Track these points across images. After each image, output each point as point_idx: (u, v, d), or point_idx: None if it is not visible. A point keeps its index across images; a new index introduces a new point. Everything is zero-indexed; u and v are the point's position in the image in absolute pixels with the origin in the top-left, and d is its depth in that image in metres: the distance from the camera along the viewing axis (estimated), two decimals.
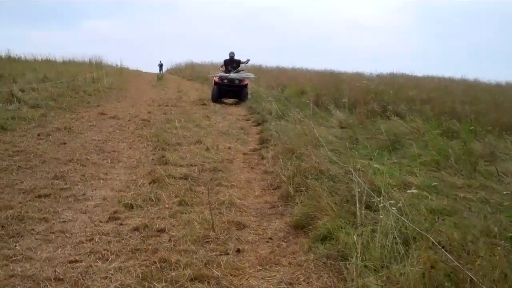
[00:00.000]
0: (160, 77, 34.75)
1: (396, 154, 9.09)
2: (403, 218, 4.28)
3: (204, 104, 17.68)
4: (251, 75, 20.64)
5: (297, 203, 5.78)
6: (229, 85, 19.07)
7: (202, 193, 6.50)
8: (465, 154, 8.24)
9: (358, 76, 24.68)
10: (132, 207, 5.80)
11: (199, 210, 5.69)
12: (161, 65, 51.76)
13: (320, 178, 6.30)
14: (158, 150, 9.06)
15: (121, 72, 35.79)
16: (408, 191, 5.14)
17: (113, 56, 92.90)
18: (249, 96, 19.06)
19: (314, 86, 19.08)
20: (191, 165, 8.08)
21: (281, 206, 6.11)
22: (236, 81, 19.12)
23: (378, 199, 4.96)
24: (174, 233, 4.97)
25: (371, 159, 8.52)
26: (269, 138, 10.47)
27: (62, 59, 34.13)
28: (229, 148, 9.91)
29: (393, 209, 4.29)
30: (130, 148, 9.40)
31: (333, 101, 15.19)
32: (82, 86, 20.38)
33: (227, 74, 19.19)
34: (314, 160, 6.91)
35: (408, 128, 10.97)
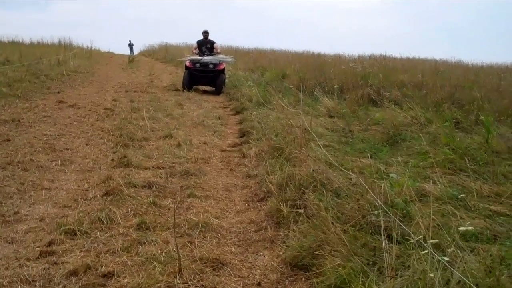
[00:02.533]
0: (131, 59, 32.90)
1: (398, 149, 7.85)
2: (454, 271, 2.95)
3: (177, 90, 16.09)
4: (229, 58, 17.96)
5: (293, 229, 4.39)
6: (202, 70, 16.07)
7: (169, 208, 5.15)
8: (487, 152, 6.93)
9: (339, 58, 23.43)
10: (75, 234, 4.38)
11: (162, 239, 4.30)
12: (131, 46, 49.44)
13: (320, 191, 4.93)
14: (120, 147, 7.64)
15: (91, 55, 33.88)
16: (462, 229, 3.72)
17: (84, 38, 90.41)
18: (226, 83, 16.64)
19: (296, 69, 17.72)
20: (158, 167, 6.69)
21: (270, 228, 4.73)
22: (211, 66, 16.05)
23: (405, 226, 3.65)
24: (125, 280, 3.57)
25: (371, 157, 7.25)
26: (251, 130, 9.17)
27: (29, 41, 32.54)
28: (205, 143, 8.52)
29: (443, 259, 2.95)
30: (86, 145, 7.95)
31: (319, 85, 13.83)
32: (44, 70, 18.64)
33: (200, 57, 16.24)
34: (312, 168, 5.51)
35: (407, 117, 9.66)
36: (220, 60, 16.39)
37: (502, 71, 19.19)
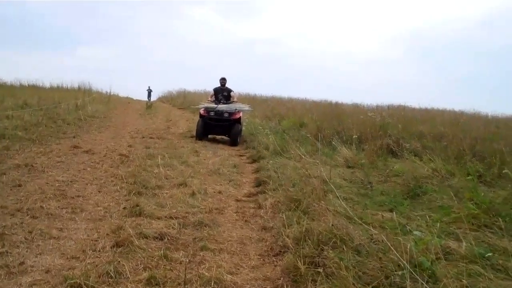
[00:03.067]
0: (149, 105, 33.04)
1: (419, 203, 7.59)
2: None
3: (194, 137, 15.94)
4: (246, 107, 17.32)
5: None
6: (217, 118, 15.35)
7: (181, 262, 4.90)
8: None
9: (357, 108, 23.32)
10: None
11: None
12: (149, 92, 49.41)
13: (340, 248, 4.68)
14: (133, 195, 7.45)
15: (109, 100, 34.10)
16: None
17: (104, 83, 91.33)
18: (242, 133, 15.94)
19: (314, 118, 17.59)
20: (171, 217, 6.47)
21: (287, 287, 4.45)
22: (226, 114, 15.32)
23: None
24: None
25: (391, 210, 7.02)
26: (267, 179, 8.96)
27: (49, 85, 32.85)
28: (220, 192, 8.31)
29: None
30: (99, 192, 7.77)
31: (337, 135, 13.65)
32: (62, 114, 18.68)
33: (215, 105, 15.64)
34: (331, 222, 5.26)
35: (428, 169, 9.41)
36: (236, 109, 15.65)
37: None
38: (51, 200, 7.04)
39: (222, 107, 15.51)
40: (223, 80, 16.50)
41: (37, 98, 21.65)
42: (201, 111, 15.79)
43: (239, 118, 15.63)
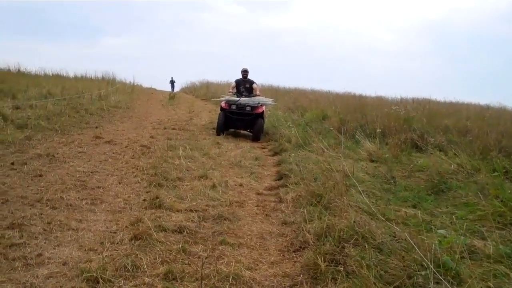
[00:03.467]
0: (172, 96, 33.02)
1: (443, 199, 7.41)
2: None
3: (215, 129, 15.77)
4: (270, 101, 16.22)
5: None
6: (238, 112, 14.44)
7: (199, 256, 4.84)
8: None
9: (381, 100, 22.93)
10: (97, 282, 4.10)
11: None
12: (172, 82, 49.29)
13: (362, 245, 4.56)
14: (153, 187, 7.41)
15: (132, 90, 34.16)
16: None
17: (128, 73, 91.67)
18: (264, 128, 15.11)
19: (337, 111, 17.39)
20: (191, 210, 6.41)
21: (306, 284, 4.35)
22: (248, 108, 14.40)
23: None
24: None
25: (414, 206, 6.87)
26: (289, 173, 8.85)
27: (73, 74, 32.94)
28: (241, 185, 8.23)
29: None
30: (119, 183, 7.74)
31: (360, 128, 13.47)
32: (85, 104, 18.70)
33: (237, 98, 14.70)
34: (353, 219, 5.15)
35: (453, 165, 9.20)
36: (259, 103, 14.65)
37: None
38: (71, 190, 7.02)
39: (244, 100, 14.59)
40: (245, 72, 15.49)
41: (61, 88, 21.69)
42: (222, 104, 14.90)
43: (262, 113, 14.65)
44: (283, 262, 5.00)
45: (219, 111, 15.22)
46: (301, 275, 4.55)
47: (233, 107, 14.48)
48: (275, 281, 4.49)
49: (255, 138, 14.28)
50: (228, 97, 15.09)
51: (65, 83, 25.27)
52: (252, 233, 5.85)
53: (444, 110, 19.17)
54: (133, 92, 32.77)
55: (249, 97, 14.99)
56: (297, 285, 4.37)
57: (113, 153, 10.21)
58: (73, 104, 17.97)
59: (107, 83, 31.12)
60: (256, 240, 5.62)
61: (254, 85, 15.47)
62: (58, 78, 28.78)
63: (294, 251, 5.26)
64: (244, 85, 15.41)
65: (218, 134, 14.41)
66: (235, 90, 15.47)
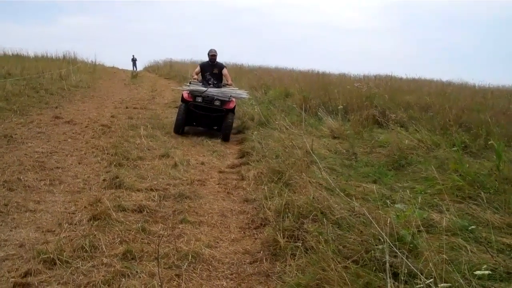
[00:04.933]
0: (134, 75, 32.64)
1: (404, 174, 7.50)
2: None
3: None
4: (244, 94, 12.49)
5: (290, 264, 4.04)
6: (204, 107, 11.10)
7: (159, 235, 4.79)
8: (498, 179, 6.56)
9: (344, 78, 23.03)
10: (54, 264, 4.04)
11: (148, 271, 3.95)
12: (134, 60, 48.29)
13: (321, 221, 4.58)
14: (114, 166, 7.33)
15: (94, 69, 33.57)
16: (478, 273, 3.37)
17: (90, 53, 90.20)
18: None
19: (300, 88, 17.38)
20: (151, 189, 6.37)
21: (266, 260, 4.37)
22: (217, 102, 11.06)
23: (413, 263, 3.32)
24: None
25: (375, 182, 6.94)
26: (251, 150, 8.85)
27: (34, 54, 32.25)
28: (202, 163, 8.21)
29: None
30: (79, 164, 7.63)
31: (323, 105, 13.49)
32: (45, 84, 18.31)
33: (204, 88, 11.26)
34: (312, 195, 5.17)
35: (413, 140, 9.31)
36: (230, 96, 11.36)
37: (510, 93, 18.83)
38: (29, 172, 6.91)
39: (212, 91, 11.24)
40: (213, 55, 11.97)
41: (21, 68, 21.21)
42: (184, 94, 11.39)
43: (234, 108, 11.55)
44: (243, 239, 5.01)
45: (180, 104, 11.70)
46: (261, 252, 4.56)
47: (198, 99, 11.09)
48: (235, 258, 4.49)
49: (225, 137, 11.07)
50: (193, 86, 11.50)
51: (25, 63, 24.70)
52: (213, 211, 5.84)
53: (406, 86, 19.33)
54: (95, 72, 32.21)
55: (217, 86, 11.74)
56: (257, 262, 4.38)
57: (73, 133, 10.07)
58: (33, 84, 17.59)
59: (68, 63, 30.52)
60: (217, 218, 5.61)
61: (224, 71, 12.13)
62: (18, 58, 28.18)
63: (254, 228, 5.27)
64: (212, 70, 12.00)
65: (176, 131, 11.18)
66: (199, 77, 12.30)
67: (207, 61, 12.09)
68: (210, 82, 11.78)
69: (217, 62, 12.05)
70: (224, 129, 11.05)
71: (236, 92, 12.03)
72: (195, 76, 12.21)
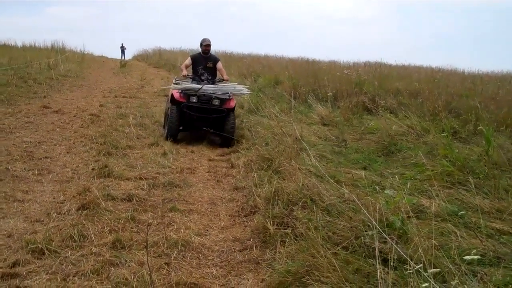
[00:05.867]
0: (123, 63, 32.41)
1: (393, 160, 7.51)
2: None
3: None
4: (245, 90, 10.41)
5: (279, 251, 4.04)
6: (201, 108, 9.11)
7: (148, 224, 4.76)
8: (487, 164, 6.58)
9: (334, 65, 22.98)
10: (43, 253, 4.01)
11: (137, 260, 3.94)
12: (123, 49, 47.91)
13: (310, 208, 4.58)
14: (103, 155, 7.29)
15: (83, 58, 33.30)
16: (467, 258, 3.37)
17: (78, 42, 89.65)
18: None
19: (290, 75, 17.35)
20: (141, 178, 6.35)
21: (255, 247, 4.37)
22: (216, 101, 9.16)
23: (402, 249, 3.32)
24: None
25: (365, 168, 6.94)
26: (241, 138, 8.83)
27: (22, 44, 31.99)
28: (192, 151, 8.20)
29: None
30: (67, 153, 7.58)
31: (312, 92, 13.48)
32: (33, 74, 18.13)
33: (198, 86, 9.33)
34: (301, 182, 5.16)
35: (403, 126, 9.33)
36: (230, 93, 9.52)
37: (499, 79, 18.86)
38: (17, 161, 6.86)
39: (209, 88, 9.36)
40: (207, 46, 10.05)
41: (8, 58, 21.02)
42: (175, 95, 9.26)
43: (234, 107, 9.67)
44: (233, 227, 5.01)
45: (168, 106, 9.50)
46: (251, 239, 4.56)
47: (193, 99, 9.15)
48: (225, 246, 4.49)
49: (227, 142, 9.18)
50: (183, 84, 9.57)
51: (13, 53, 24.52)
52: (203, 199, 5.84)
53: (396, 73, 19.32)
54: (84, 61, 31.95)
55: (212, 83, 9.95)
56: (246, 249, 4.38)
57: (62, 122, 10.00)
58: (21, 74, 17.42)
59: (57, 52, 30.28)
60: (207, 206, 5.61)
61: (218, 65, 10.23)
62: (5, 48, 27.97)
63: (244, 216, 5.28)
64: (205, 63, 10.05)
65: (168, 138, 9.02)
66: (190, 72, 10.16)
67: (199, 53, 10.20)
68: (203, 78, 9.92)
69: (211, 54, 10.29)
70: (226, 130, 9.08)
71: (236, 88, 10.18)
72: (184, 71, 9.88)
